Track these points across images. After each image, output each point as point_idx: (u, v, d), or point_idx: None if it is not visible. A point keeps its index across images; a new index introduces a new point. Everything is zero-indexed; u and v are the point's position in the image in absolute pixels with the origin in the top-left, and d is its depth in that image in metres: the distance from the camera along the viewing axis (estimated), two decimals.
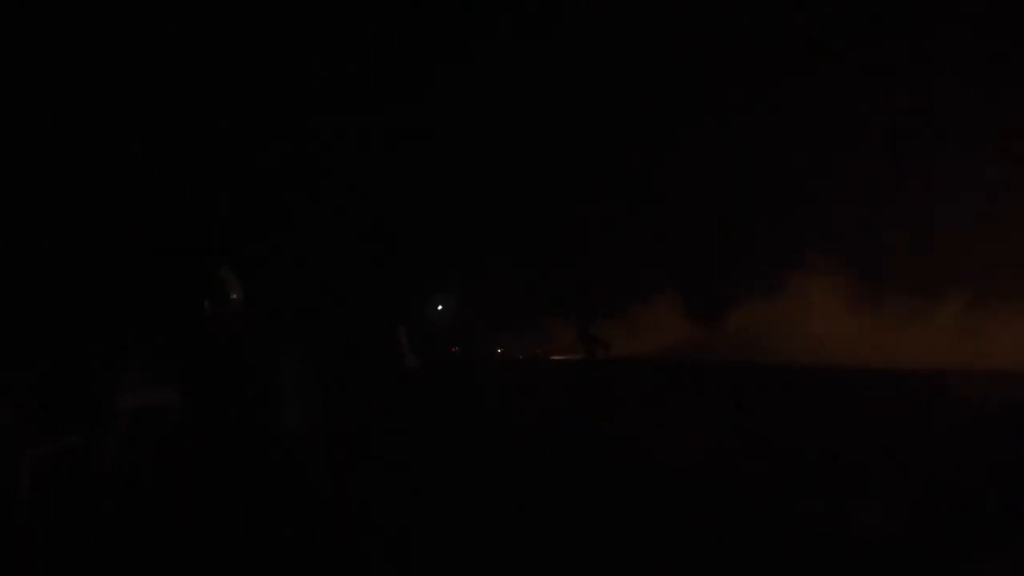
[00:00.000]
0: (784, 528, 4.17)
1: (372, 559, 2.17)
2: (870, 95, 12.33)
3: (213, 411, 1.75)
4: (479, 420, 7.46)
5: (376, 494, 2.18)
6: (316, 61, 11.15)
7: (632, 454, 5.84)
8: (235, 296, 2.47)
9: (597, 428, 6.55)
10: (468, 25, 13.28)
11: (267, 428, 1.75)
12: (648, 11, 13.24)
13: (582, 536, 3.84)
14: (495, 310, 14.51)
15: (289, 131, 10.54)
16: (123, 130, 8.28)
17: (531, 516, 4.00)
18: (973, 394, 4.77)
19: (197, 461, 1.66)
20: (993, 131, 10.94)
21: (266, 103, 10.31)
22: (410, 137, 13.00)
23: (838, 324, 11.18)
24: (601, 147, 14.33)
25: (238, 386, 1.76)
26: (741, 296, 12.87)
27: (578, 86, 13.83)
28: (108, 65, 8.33)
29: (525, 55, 13.42)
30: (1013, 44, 11.15)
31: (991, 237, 10.76)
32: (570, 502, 4.58)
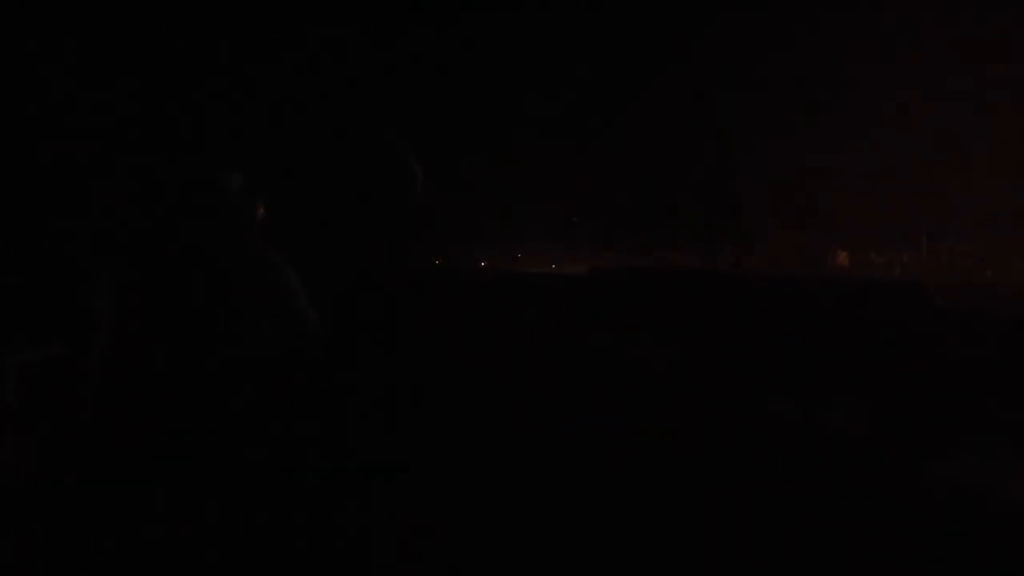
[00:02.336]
0: (759, 425, 4.36)
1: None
2: None
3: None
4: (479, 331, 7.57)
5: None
6: None
7: (615, 357, 6.00)
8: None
9: (582, 334, 6.68)
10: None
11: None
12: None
13: (572, 438, 3.98)
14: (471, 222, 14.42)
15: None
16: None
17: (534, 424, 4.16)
18: (944, 303, 4.91)
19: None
20: None
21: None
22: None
23: None
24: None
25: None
26: None
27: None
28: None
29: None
30: None
31: None
32: (560, 403, 4.75)
